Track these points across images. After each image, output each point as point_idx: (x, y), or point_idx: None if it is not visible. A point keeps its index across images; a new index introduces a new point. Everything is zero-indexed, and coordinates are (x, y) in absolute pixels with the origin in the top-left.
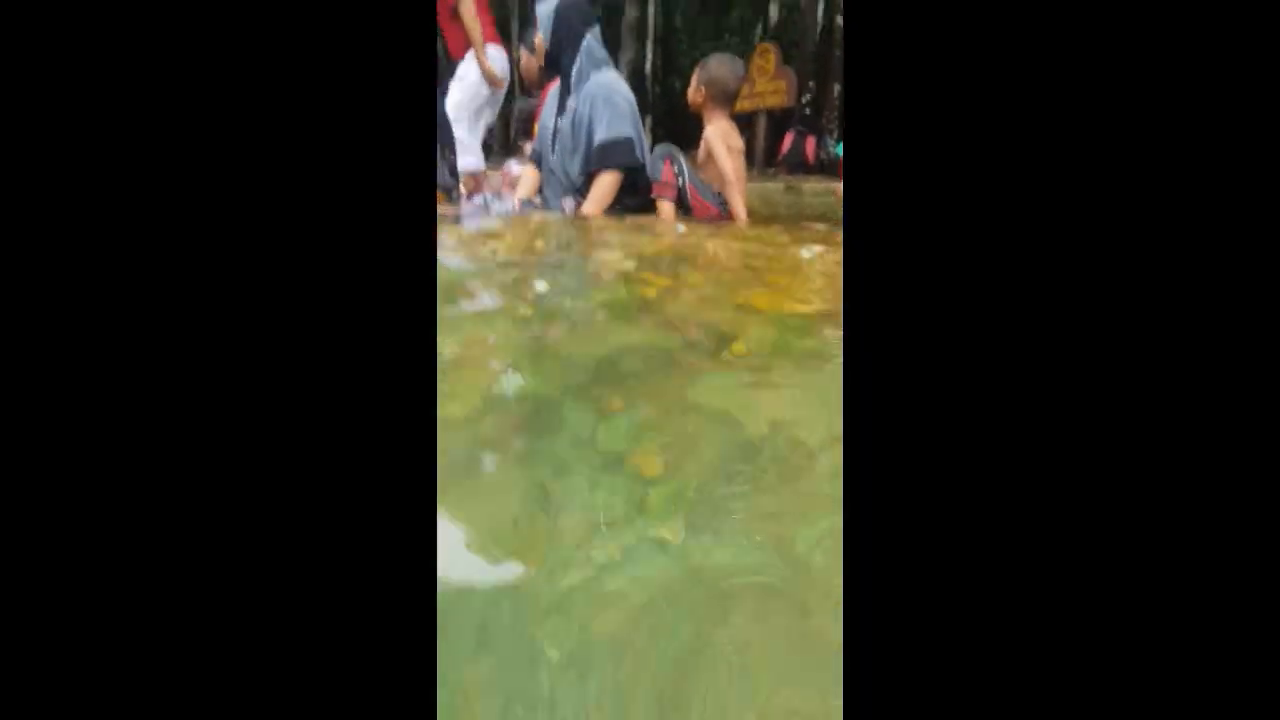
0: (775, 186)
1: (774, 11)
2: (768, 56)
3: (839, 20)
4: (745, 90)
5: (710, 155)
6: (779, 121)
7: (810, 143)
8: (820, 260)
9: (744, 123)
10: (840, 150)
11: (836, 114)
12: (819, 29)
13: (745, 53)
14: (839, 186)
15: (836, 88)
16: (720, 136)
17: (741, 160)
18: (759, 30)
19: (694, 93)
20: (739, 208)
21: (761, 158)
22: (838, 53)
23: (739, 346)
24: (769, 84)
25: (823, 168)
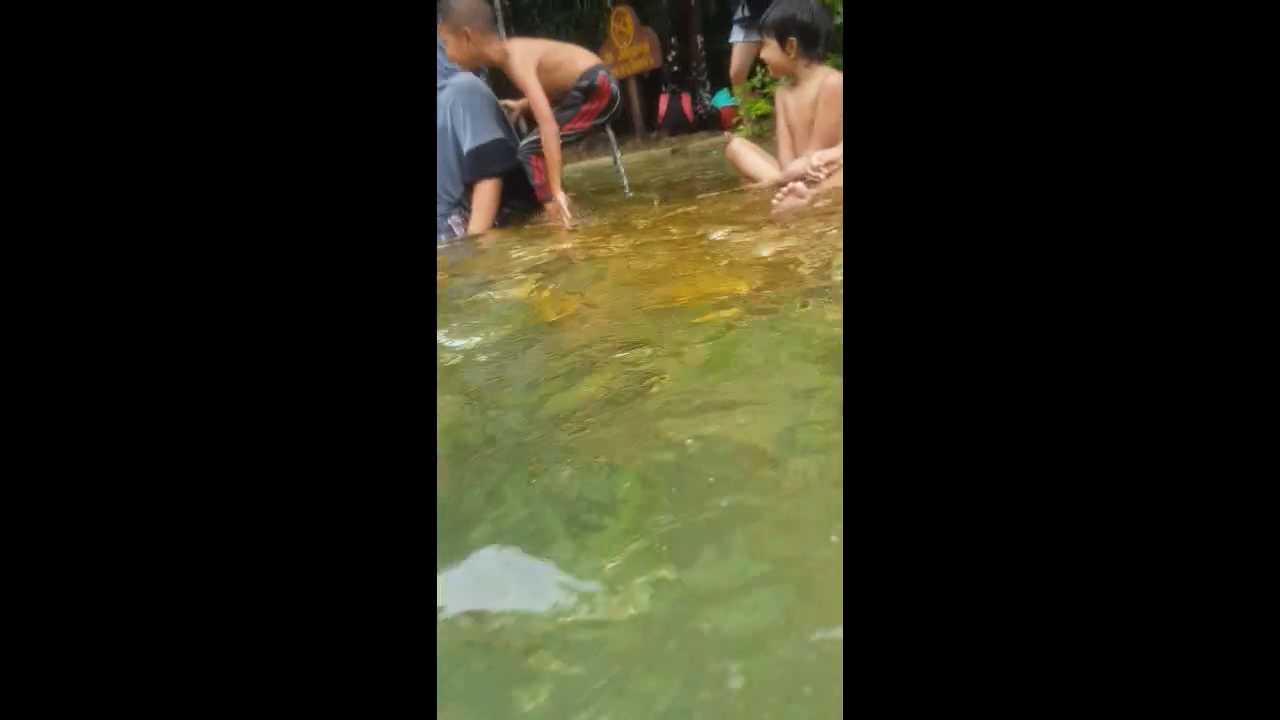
0: (661, 152)
1: None
2: (625, 20)
3: None
4: (610, 59)
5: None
6: (649, 83)
7: (686, 100)
8: (729, 244)
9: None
10: (719, 101)
11: (705, 66)
12: None
13: (599, 18)
14: (728, 136)
15: (699, 39)
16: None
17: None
18: None
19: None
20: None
21: (641, 124)
22: (693, 4)
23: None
24: (632, 49)
25: (703, 122)
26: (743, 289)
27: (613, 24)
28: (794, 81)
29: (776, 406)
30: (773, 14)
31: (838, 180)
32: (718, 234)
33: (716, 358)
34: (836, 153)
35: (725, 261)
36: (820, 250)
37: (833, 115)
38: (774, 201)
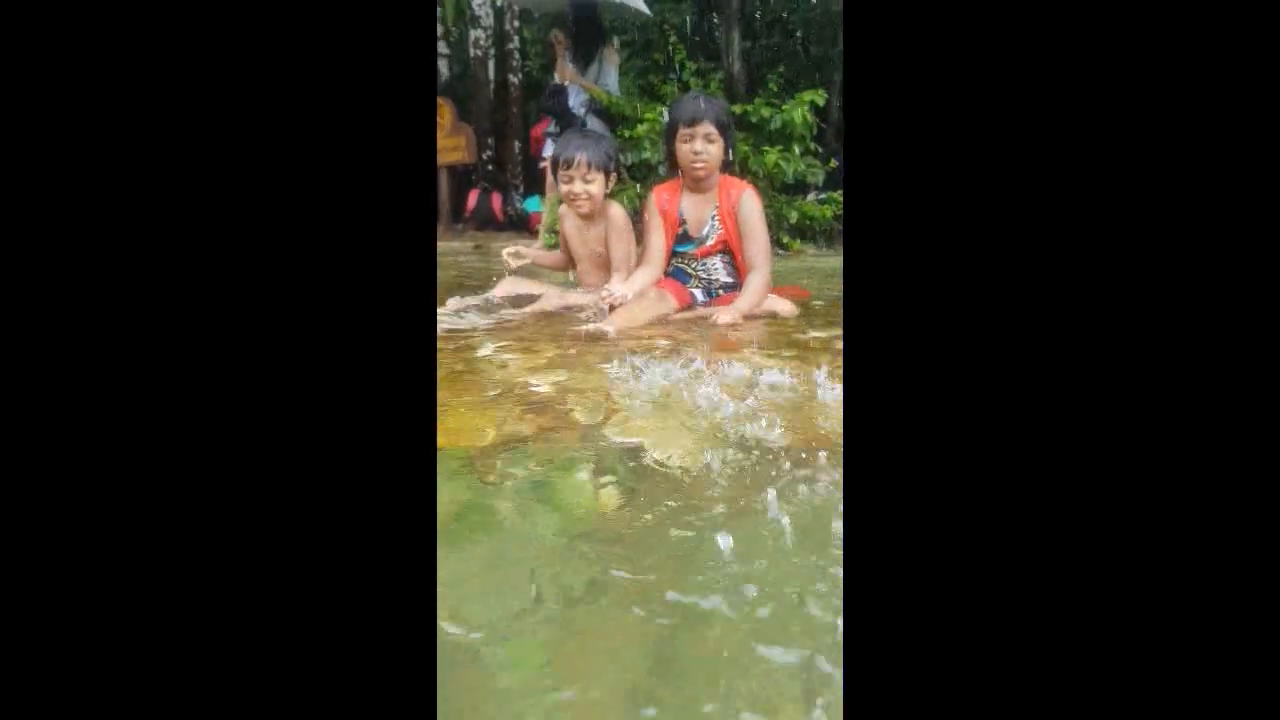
0: (464, 245)
1: (443, 67)
2: (443, 112)
3: (512, 79)
4: None
5: None
6: (460, 177)
7: (496, 198)
8: (501, 367)
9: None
10: (530, 205)
11: (520, 169)
12: (492, 85)
13: None
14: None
15: (516, 144)
16: None
17: None
18: None
19: None
20: None
21: (448, 215)
22: (515, 110)
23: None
24: (447, 140)
25: (512, 223)
26: (491, 435)
27: None
28: (588, 213)
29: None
30: (557, 150)
31: (630, 316)
32: (485, 349)
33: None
34: (637, 284)
35: (494, 390)
36: (600, 389)
37: (621, 246)
38: (583, 329)
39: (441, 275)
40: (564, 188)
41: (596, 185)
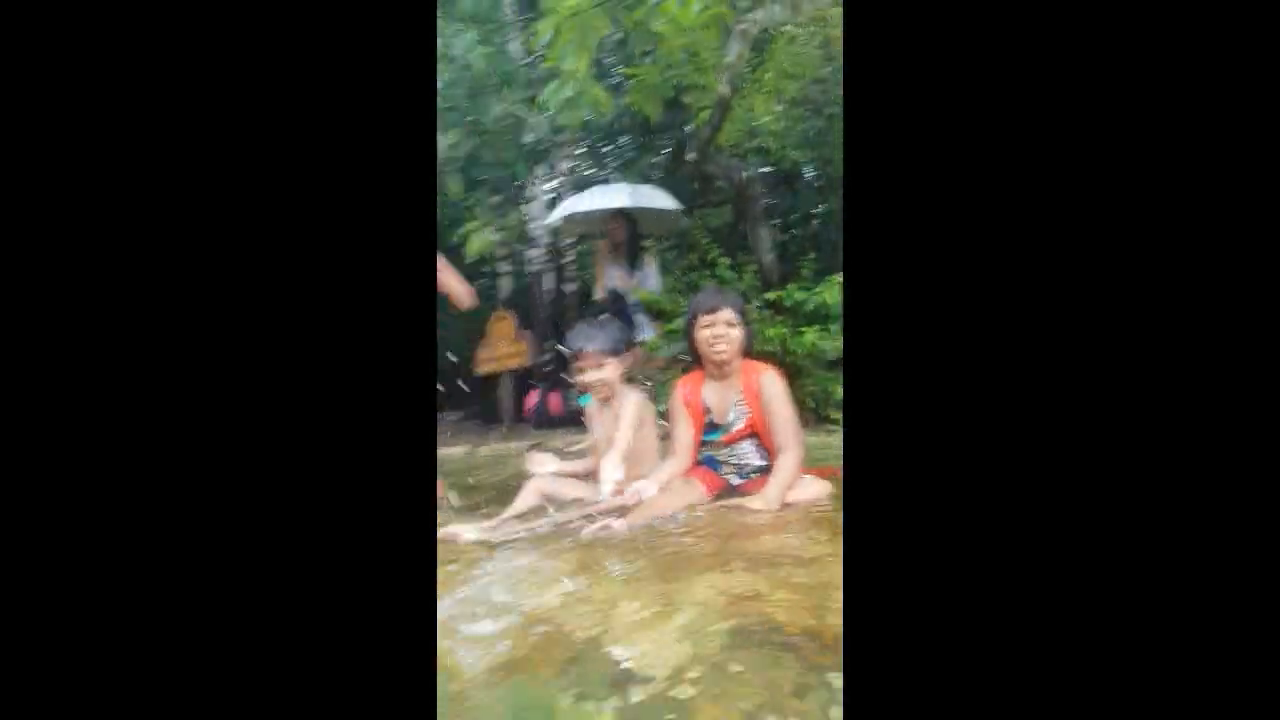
0: (521, 445)
1: (506, 284)
2: (505, 322)
3: (565, 289)
4: (485, 355)
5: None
6: (521, 381)
7: (555, 398)
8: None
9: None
10: (584, 400)
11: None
12: (549, 299)
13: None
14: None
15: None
16: None
17: None
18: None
19: None
20: None
21: (511, 415)
22: (572, 315)
23: None
24: (510, 346)
25: (573, 418)
26: None
27: (495, 323)
28: (605, 397)
29: None
30: (569, 343)
31: (655, 509)
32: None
33: None
34: (662, 476)
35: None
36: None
37: (624, 429)
38: (585, 531)
39: (485, 476)
40: (579, 379)
41: (610, 370)
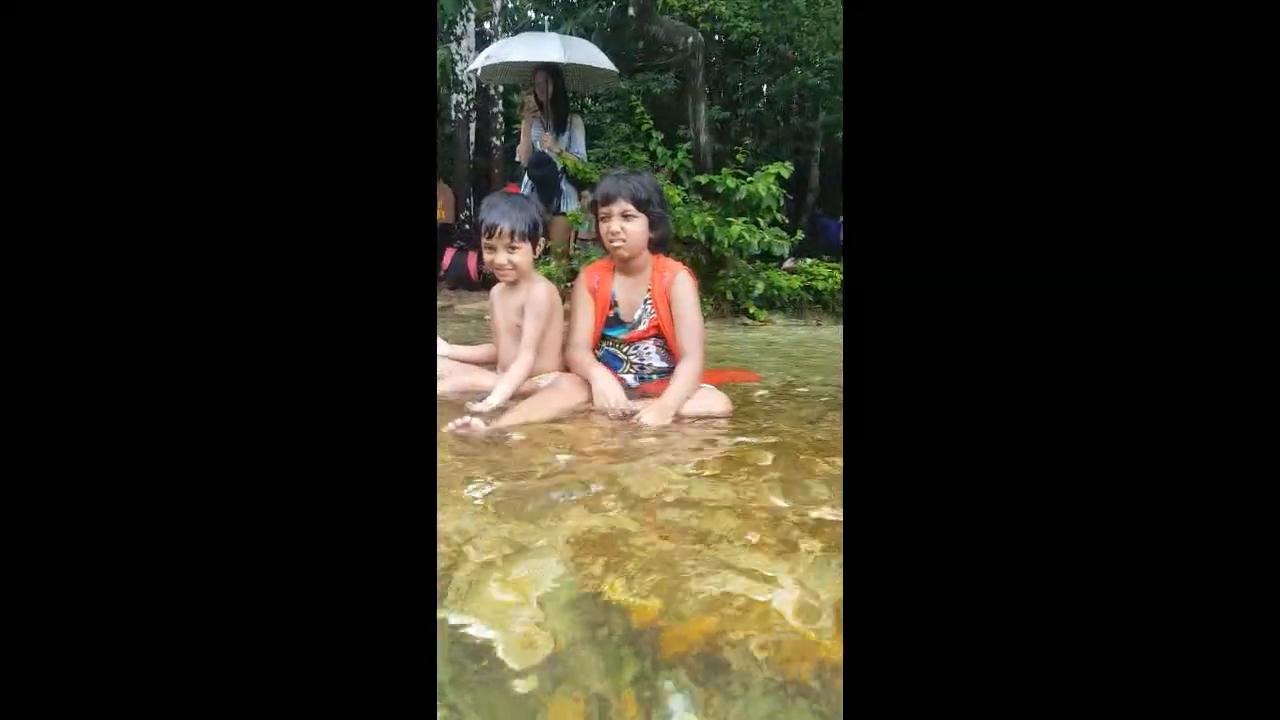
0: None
1: None
2: None
3: (494, 141)
4: None
5: None
6: (438, 238)
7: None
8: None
9: None
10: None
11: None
12: (471, 148)
13: None
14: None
15: None
16: None
17: None
18: None
19: None
20: None
21: None
22: (497, 172)
23: None
24: None
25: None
26: None
27: None
28: (513, 281)
29: None
30: (481, 216)
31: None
32: None
33: None
34: (512, 381)
35: None
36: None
37: (533, 326)
38: (451, 425)
39: None
40: (487, 257)
41: (521, 254)
